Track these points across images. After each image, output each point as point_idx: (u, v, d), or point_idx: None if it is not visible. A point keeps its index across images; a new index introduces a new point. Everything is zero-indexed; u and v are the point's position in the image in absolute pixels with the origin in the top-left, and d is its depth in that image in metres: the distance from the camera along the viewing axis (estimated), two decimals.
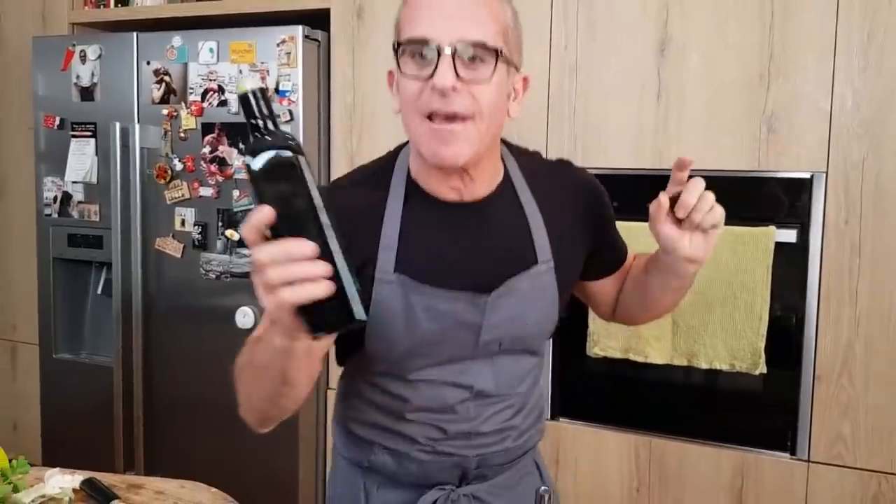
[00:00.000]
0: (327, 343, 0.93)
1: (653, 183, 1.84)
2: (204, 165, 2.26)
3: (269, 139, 0.69)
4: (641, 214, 1.02)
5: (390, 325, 0.96)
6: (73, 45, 2.42)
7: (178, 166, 2.30)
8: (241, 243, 2.24)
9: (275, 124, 0.71)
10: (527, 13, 1.12)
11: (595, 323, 1.93)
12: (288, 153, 0.68)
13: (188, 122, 2.27)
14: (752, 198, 1.81)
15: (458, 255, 0.98)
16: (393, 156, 1.04)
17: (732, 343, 1.81)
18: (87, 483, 1.22)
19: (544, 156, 1.12)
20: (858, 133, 1.71)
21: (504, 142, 1.06)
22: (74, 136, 2.44)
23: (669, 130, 1.87)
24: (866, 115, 1.70)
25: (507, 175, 1.03)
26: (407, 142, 1.00)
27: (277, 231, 0.68)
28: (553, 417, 2.02)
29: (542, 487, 1.03)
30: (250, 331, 2.23)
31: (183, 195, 2.30)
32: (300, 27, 2.14)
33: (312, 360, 0.86)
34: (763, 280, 1.77)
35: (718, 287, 1.80)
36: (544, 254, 1.01)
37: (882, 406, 1.73)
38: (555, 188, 1.05)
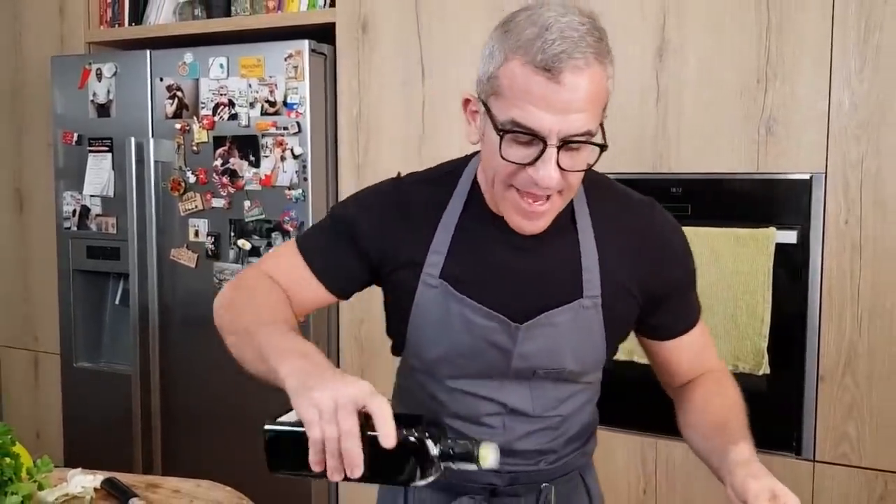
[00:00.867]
0: None
1: (653, 187, 1.88)
2: (216, 177, 2.32)
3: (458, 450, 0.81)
4: None
5: (428, 328, 0.99)
6: (90, 64, 2.49)
7: (192, 179, 2.36)
8: (252, 252, 2.29)
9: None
10: None
11: None
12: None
13: (200, 135, 2.33)
14: (752, 199, 1.83)
15: (501, 276, 0.98)
16: (465, 161, 1.04)
17: (735, 344, 1.82)
18: (108, 482, 1.27)
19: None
20: (857, 134, 1.72)
21: None
22: (92, 152, 2.52)
23: (669, 135, 1.89)
24: (864, 116, 1.71)
25: (569, 204, 0.99)
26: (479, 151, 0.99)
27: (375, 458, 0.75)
28: None
29: (543, 484, 1.04)
30: None
31: (196, 207, 2.36)
32: (306, 41, 2.19)
33: None
34: (764, 281, 1.78)
35: (720, 289, 1.82)
36: (592, 289, 0.98)
37: (886, 405, 1.74)
38: (623, 224, 1.01)
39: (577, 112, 0.84)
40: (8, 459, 1.08)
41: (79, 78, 2.51)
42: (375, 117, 2.25)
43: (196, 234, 2.38)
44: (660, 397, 1.92)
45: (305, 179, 2.22)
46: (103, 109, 2.49)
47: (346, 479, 0.76)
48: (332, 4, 2.29)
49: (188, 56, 2.34)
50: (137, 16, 2.63)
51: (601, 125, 0.89)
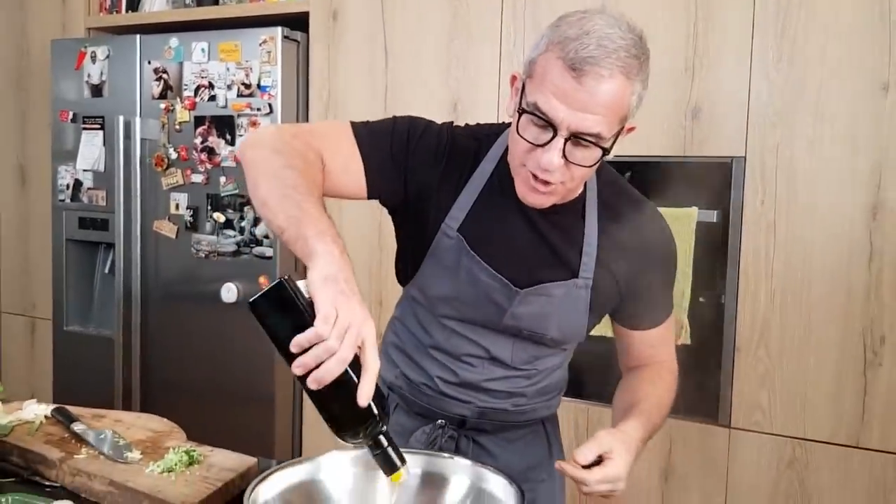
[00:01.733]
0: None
1: None
2: (195, 154, 2.49)
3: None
4: None
5: (437, 270, 1.10)
6: (85, 47, 2.68)
7: (174, 155, 2.53)
8: (226, 225, 2.46)
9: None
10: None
11: None
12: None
13: (182, 115, 2.50)
14: (678, 181, 1.95)
15: (512, 243, 1.08)
16: (502, 128, 1.12)
17: None
18: (57, 410, 1.42)
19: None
20: (773, 121, 1.84)
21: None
22: (85, 129, 2.70)
23: None
24: (779, 105, 1.83)
25: (584, 191, 1.09)
26: None
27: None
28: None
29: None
30: (234, 304, 2.43)
31: (177, 181, 2.54)
32: (279, 28, 2.36)
33: None
34: (686, 258, 1.90)
35: None
36: (586, 272, 1.08)
37: (795, 377, 1.85)
38: (626, 223, 1.10)
39: (592, 114, 0.91)
40: None
41: (75, 60, 2.70)
42: (343, 101, 2.40)
43: (177, 207, 2.55)
44: (596, 370, 2.06)
45: None
46: (97, 90, 2.67)
47: (299, 377, 0.75)
48: None
49: (174, 41, 2.51)
50: (134, 3, 2.82)
51: (617, 134, 0.96)
